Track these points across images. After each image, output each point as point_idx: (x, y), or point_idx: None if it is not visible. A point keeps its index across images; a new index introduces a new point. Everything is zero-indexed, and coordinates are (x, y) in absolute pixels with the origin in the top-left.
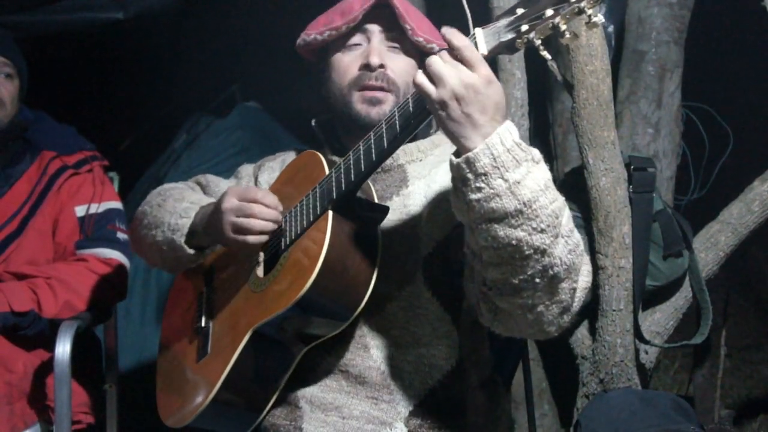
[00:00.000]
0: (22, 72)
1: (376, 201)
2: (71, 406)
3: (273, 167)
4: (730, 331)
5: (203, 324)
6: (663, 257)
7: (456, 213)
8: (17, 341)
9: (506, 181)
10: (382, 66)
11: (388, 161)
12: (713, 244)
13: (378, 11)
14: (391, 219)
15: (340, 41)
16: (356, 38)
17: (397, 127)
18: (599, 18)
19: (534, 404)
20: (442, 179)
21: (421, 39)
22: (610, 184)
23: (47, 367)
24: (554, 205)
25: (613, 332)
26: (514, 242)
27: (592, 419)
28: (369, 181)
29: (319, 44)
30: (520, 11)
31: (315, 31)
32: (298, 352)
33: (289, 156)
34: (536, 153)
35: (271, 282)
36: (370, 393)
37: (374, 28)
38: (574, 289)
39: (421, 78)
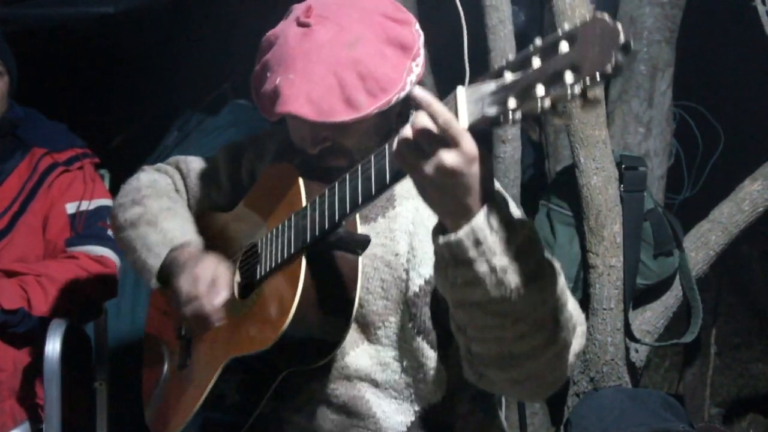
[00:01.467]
0: (11, 68)
1: (358, 228)
2: (61, 405)
3: (257, 154)
4: (720, 330)
5: (183, 332)
6: (654, 256)
7: (438, 287)
8: (7, 339)
9: (492, 267)
10: (325, 143)
11: None
12: (704, 243)
13: None
14: (376, 243)
15: None
16: None
17: (387, 174)
18: (596, 95)
19: (525, 403)
20: None
21: (359, 116)
22: (601, 183)
23: (37, 365)
24: (544, 293)
25: (604, 331)
26: (498, 326)
27: (582, 417)
28: None
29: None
30: (509, 78)
31: (255, 98)
32: (279, 375)
33: (275, 144)
34: (528, 230)
35: (246, 313)
36: (355, 422)
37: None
38: (566, 361)
39: (396, 151)
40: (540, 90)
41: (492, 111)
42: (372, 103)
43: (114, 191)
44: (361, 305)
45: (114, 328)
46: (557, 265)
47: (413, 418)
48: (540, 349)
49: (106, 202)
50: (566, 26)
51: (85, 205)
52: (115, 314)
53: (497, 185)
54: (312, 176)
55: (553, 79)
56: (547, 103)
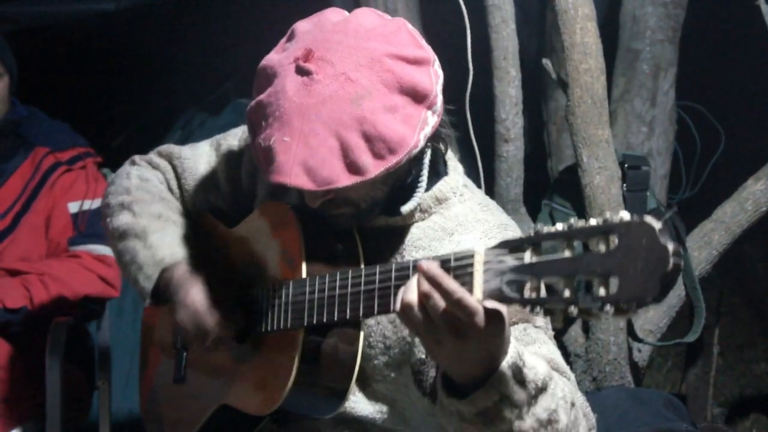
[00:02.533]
0: (11, 68)
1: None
2: (63, 404)
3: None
4: (723, 330)
5: (179, 345)
6: None
7: (440, 419)
8: (9, 338)
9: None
10: (327, 198)
11: (381, 222)
12: (706, 242)
13: None
14: None
15: None
16: None
17: (392, 304)
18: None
19: None
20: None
21: (362, 180)
22: (604, 183)
23: (39, 364)
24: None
25: (606, 330)
26: None
27: None
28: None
29: None
30: (533, 259)
31: (250, 134)
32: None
33: None
34: (541, 379)
35: (244, 363)
36: None
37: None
38: None
39: (401, 315)
40: (566, 293)
41: (511, 294)
42: (379, 166)
43: None
44: (361, 357)
45: (116, 327)
46: (572, 377)
47: None
48: None
49: None
50: (607, 216)
51: (88, 205)
52: (117, 313)
53: (505, 219)
54: (312, 224)
55: (582, 286)
56: (574, 311)
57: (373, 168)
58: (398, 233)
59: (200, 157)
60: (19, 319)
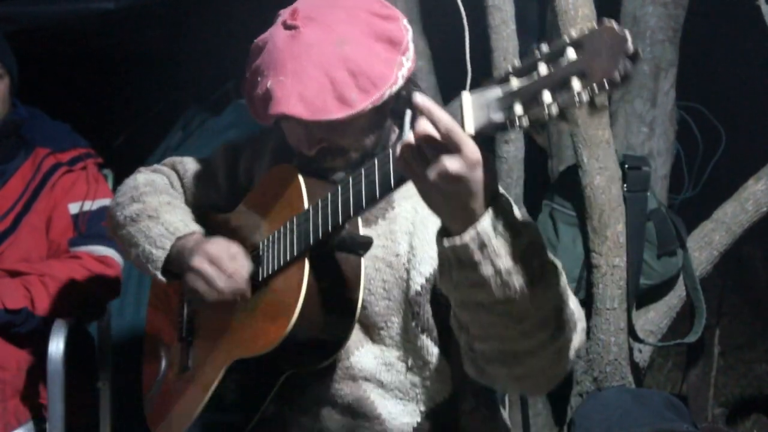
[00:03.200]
0: (11, 69)
1: (360, 229)
2: (64, 404)
3: (255, 154)
4: (723, 330)
5: (185, 333)
6: (657, 256)
7: (442, 287)
8: (10, 339)
9: (497, 270)
10: (321, 145)
11: None
12: (707, 243)
13: None
14: (377, 244)
15: None
16: None
17: (391, 178)
18: (603, 101)
19: (528, 403)
20: None
21: (353, 113)
22: (604, 183)
23: (40, 365)
24: (549, 292)
25: (607, 331)
26: (501, 327)
27: (585, 418)
28: None
29: None
30: (515, 84)
31: (248, 105)
32: (281, 376)
33: (273, 144)
34: (532, 231)
35: (251, 309)
36: (361, 422)
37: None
38: (567, 358)
39: (399, 158)
40: (547, 97)
41: (498, 117)
42: (364, 99)
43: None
44: (364, 306)
45: (117, 328)
46: (559, 264)
47: (419, 419)
48: (542, 346)
49: (110, 202)
50: (573, 33)
51: (88, 205)
52: (119, 313)
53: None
54: (312, 177)
55: (560, 86)
56: (555, 109)
57: (359, 101)
58: None
59: (200, 160)
60: (19, 320)
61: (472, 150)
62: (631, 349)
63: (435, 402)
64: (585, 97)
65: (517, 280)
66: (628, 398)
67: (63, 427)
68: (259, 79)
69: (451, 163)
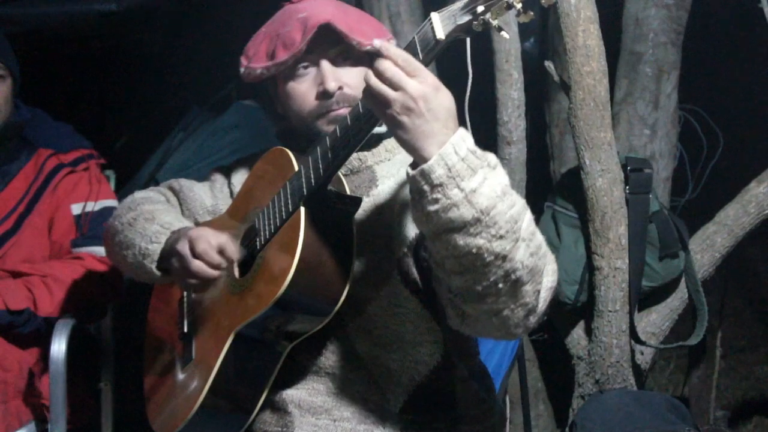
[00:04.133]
0: (13, 70)
1: (348, 193)
2: (66, 405)
3: (245, 168)
4: (725, 333)
5: (185, 330)
6: (659, 258)
7: (416, 223)
8: (12, 340)
9: (462, 190)
10: (339, 88)
11: (356, 163)
12: (709, 245)
13: (321, 32)
14: (363, 220)
15: (288, 70)
16: (304, 64)
17: (363, 117)
18: None
19: (529, 404)
20: None
21: (369, 47)
22: (606, 185)
23: (42, 365)
24: (513, 210)
25: (609, 333)
26: (474, 250)
27: (587, 420)
28: (340, 175)
29: (266, 75)
30: None
31: (260, 66)
32: (283, 350)
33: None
34: (492, 158)
35: (249, 283)
36: (358, 393)
37: (321, 51)
38: (539, 291)
39: (368, 92)
40: None
41: (464, 19)
42: (375, 34)
43: (120, 192)
44: (354, 278)
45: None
46: (522, 200)
47: (415, 387)
48: (513, 272)
49: (112, 203)
50: None
51: (91, 206)
52: (120, 314)
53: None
54: (303, 149)
55: None
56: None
57: (373, 34)
58: (369, 171)
59: (195, 180)
60: (22, 321)
61: (431, 76)
62: (632, 351)
63: (429, 367)
64: None
65: (482, 200)
66: (629, 400)
67: (65, 428)
68: (281, 30)
69: (413, 86)
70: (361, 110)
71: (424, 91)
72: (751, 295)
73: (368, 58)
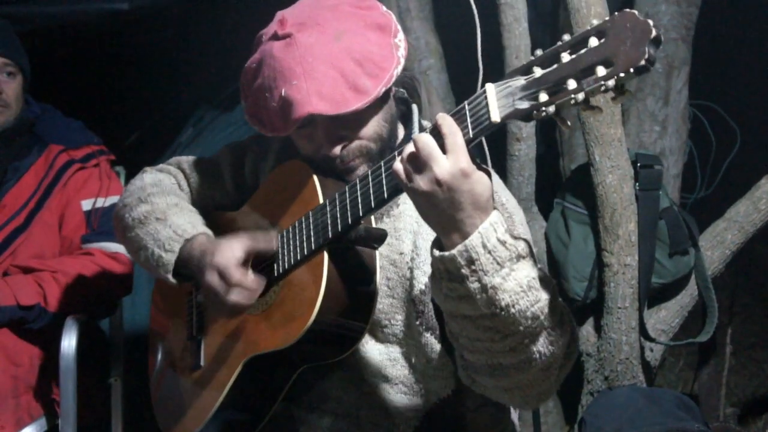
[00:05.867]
0: (24, 66)
1: (373, 223)
2: (76, 400)
3: (260, 153)
4: (735, 330)
5: (194, 332)
6: (669, 255)
7: (433, 295)
8: (23, 335)
9: (483, 286)
10: (343, 147)
11: None
12: (719, 242)
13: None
14: (383, 244)
15: None
16: (300, 128)
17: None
18: (629, 87)
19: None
20: None
21: (370, 99)
22: (616, 182)
23: (53, 360)
24: (535, 306)
25: (619, 330)
26: (487, 343)
27: (596, 416)
28: None
29: None
30: (538, 72)
31: (257, 126)
32: (294, 373)
33: (278, 143)
34: (522, 248)
35: (265, 309)
36: (369, 418)
37: (316, 119)
38: (557, 373)
39: (398, 166)
40: (572, 84)
41: (524, 105)
42: (377, 83)
43: None
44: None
45: (129, 324)
46: (552, 281)
47: (424, 413)
48: (529, 362)
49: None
50: (595, 22)
51: (101, 202)
52: (130, 310)
53: (505, 198)
54: (325, 175)
55: (585, 74)
56: (581, 96)
57: (373, 86)
58: None
59: (206, 160)
60: (32, 316)
61: (465, 159)
62: (642, 348)
63: (439, 397)
64: (611, 83)
65: (503, 297)
66: (639, 397)
67: (75, 423)
68: (267, 94)
69: (439, 169)
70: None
71: (454, 174)
72: (761, 292)
73: (380, 100)
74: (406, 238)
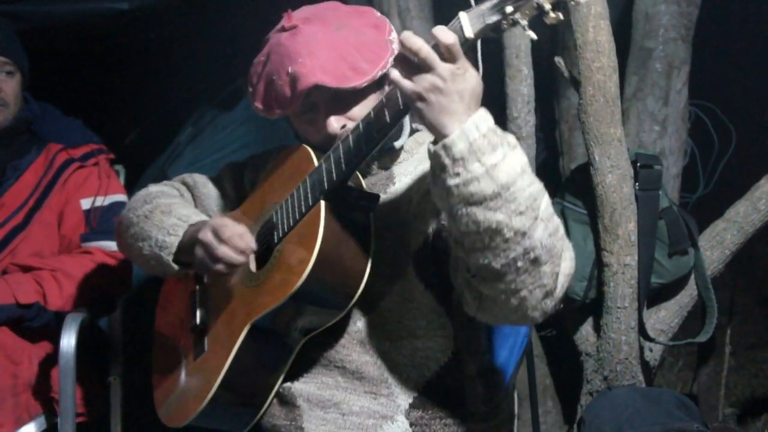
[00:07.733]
0: (23, 65)
1: (366, 190)
2: (75, 399)
3: (258, 165)
4: (735, 330)
5: (198, 322)
6: (668, 255)
7: (436, 201)
8: (22, 333)
9: (483, 164)
10: (343, 126)
11: (374, 166)
12: (719, 242)
13: (314, 86)
14: (380, 216)
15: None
16: (304, 111)
17: (386, 117)
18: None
19: (538, 401)
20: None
21: (368, 79)
22: (616, 181)
23: (52, 359)
24: (532, 188)
25: (618, 329)
26: (494, 225)
27: (595, 416)
28: (358, 173)
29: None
30: None
31: (260, 109)
32: (296, 344)
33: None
34: (512, 138)
35: (265, 276)
36: (368, 388)
37: (318, 100)
38: (557, 274)
39: (397, 74)
40: None
41: (492, 18)
42: (373, 67)
43: (129, 187)
44: (369, 273)
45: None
46: (541, 185)
47: (424, 383)
48: (534, 250)
49: (121, 197)
50: None
51: (100, 201)
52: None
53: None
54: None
55: None
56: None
57: (370, 69)
58: (386, 172)
59: (208, 176)
60: (31, 315)
61: (462, 58)
62: (641, 348)
63: (439, 363)
64: None
65: (503, 174)
66: (638, 397)
67: (74, 421)
68: (275, 77)
69: (444, 67)
70: (386, 108)
71: (453, 71)
72: (761, 292)
73: (374, 85)
74: (402, 209)
